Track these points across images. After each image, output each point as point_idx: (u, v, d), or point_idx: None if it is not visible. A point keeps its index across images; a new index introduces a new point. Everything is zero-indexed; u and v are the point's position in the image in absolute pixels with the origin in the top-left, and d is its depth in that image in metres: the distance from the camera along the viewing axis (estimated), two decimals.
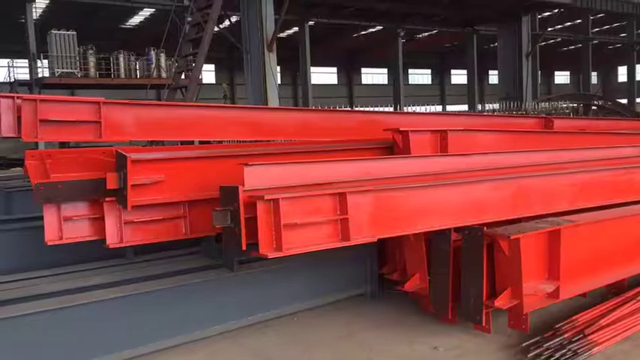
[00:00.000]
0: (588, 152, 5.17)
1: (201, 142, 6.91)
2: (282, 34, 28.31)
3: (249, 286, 3.95)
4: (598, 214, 4.05)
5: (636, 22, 31.52)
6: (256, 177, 3.30)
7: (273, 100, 11.50)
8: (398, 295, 4.22)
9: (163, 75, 18.16)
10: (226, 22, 14.88)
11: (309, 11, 16.29)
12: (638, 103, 31.72)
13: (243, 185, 3.20)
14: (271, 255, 3.04)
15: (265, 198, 3.05)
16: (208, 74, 32.00)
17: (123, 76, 19.23)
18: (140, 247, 4.22)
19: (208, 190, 3.78)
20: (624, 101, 31.36)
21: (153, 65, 18.52)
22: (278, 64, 15.84)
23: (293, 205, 3.11)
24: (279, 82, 14.93)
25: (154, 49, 18.70)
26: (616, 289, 4.10)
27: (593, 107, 23.92)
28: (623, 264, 4.08)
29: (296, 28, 24.10)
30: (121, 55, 19.23)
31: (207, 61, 27.75)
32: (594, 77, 44.56)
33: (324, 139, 5.21)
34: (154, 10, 22.72)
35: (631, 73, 34.63)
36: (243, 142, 6.15)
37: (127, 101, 4.34)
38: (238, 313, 3.88)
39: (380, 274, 4.45)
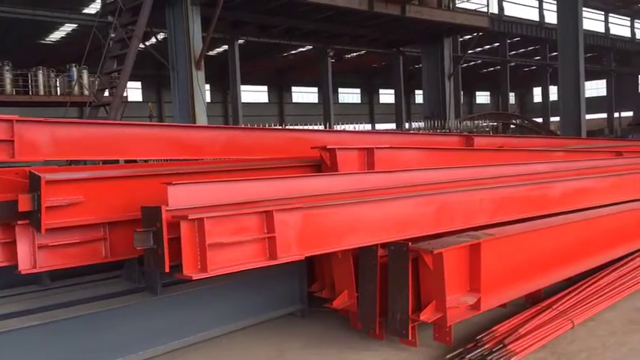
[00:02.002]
0: (506, 168, 5.42)
1: (126, 162, 6.69)
2: (211, 52, 28.11)
3: (175, 309, 3.83)
4: (515, 228, 4.24)
5: (549, 45, 33.64)
6: (180, 196, 3.23)
7: (201, 119, 11.33)
8: (328, 313, 4.23)
9: (86, 92, 17.50)
10: (153, 40, 14.58)
11: (237, 30, 16.24)
12: (552, 121, 33.68)
13: (167, 205, 3.12)
14: (196, 276, 2.97)
15: (189, 217, 2.98)
16: (134, 92, 31.20)
17: (42, 93, 18.35)
18: (61, 273, 4.00)
19: (131, 211, 3.64)
20: (540, 120, 33.30)
21: (74, 82, 17.82)
22: (207, 82, 15.68)
23: (218, 225, 3.06)
24: (208, 100, 14.77)
25: (75, 66, 18.01)
26: (533, 299, 4.29)
27: (512, 125, 25.24)
28: (539, 274, 4.28)
29: (226, 46, 23.99)
30: (40, 72, 18.36)
31: (133, 79, 27.16)
32: (512, 97, 47.03)
33: (252, 157, 5.18)
34: (76, 25, 21.96)
35: (545, 94, 36.89)
36: (169, 160, 6.01)
37: (43, 119, 4.12)
38: (164, 338, 3.75)
39: (310, 292, 4.44)
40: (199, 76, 11.39)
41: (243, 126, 15.73)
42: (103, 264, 3.96)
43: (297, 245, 3.34)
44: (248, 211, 3.22)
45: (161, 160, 6.57)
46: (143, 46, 13.14)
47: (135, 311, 3.66)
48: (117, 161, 7.00)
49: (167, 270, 3.05)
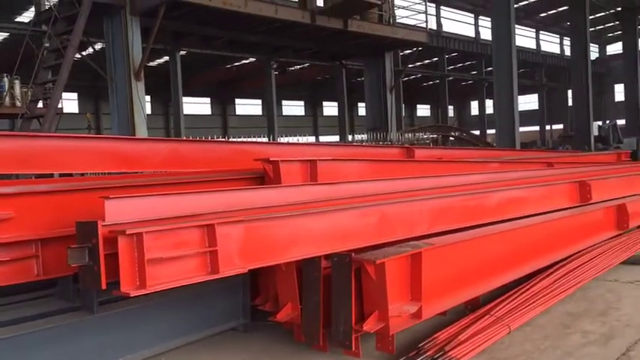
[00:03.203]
0: (445, 179, 5.57)
1: (61, 175, 6.45)
2: (152, 63, 27.62)
3: (113, 327, 3.69)
4: (454, 237, 4.35)
5: (485, 61, 34.97)
6: (118, 210, 3.13)
7: (142, 131, 11.06)
8: (271, 327, 4.19)
9: (18, 104, 16.77)
10: (90, 50, 14.16)
11: (179, 41, 16.00)
12: (488, 133, 34.92)
13: (104, 220, 3.02)
14: (134, 293, 2.88)
15: (127, 232, 2.89)
16: (70, 103, 30.18)
17: None
18: None
19: (66, 227, 3.50)
20: (477, 132, 34.49)
21: (5, 93, 17.06)
22: (148, 94, 15.37)
23: (158, 239, 2.99)
24: (148, 112, 14.44)
25: (6, 76, 17.25)
26: (472, 306, 4.40)
27: (451, 137, 26.02)
28: (477, 282, 4.40)
29: (167, 57, 23.61)
30: None
31: (69, 90, 26.28)
32: (451, 110, 48.58)
33: (194, 170, 5.10)
34: (7, 34, 21.08)
35: (482, 107, 38.27)
36: (107, 174, 5.83)
37: None
38: (101, 359, 3.61)
39: (253, 306, 4.39)
40: (139, 87, 11.12)
41: (185, 138, 15.48)
42: (36, 282, 3.79)
43: (240, 258, 3.31)
44: (189, 225, 3.16)
45: (98, 173, 6.38)
46: (79, 56, 12.73)
47: (69, 331, 3.50)
48: (51, 175, 6.75)
49: (104, 287, 2.95)
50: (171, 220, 3.24)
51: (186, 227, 3.13)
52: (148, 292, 2.91)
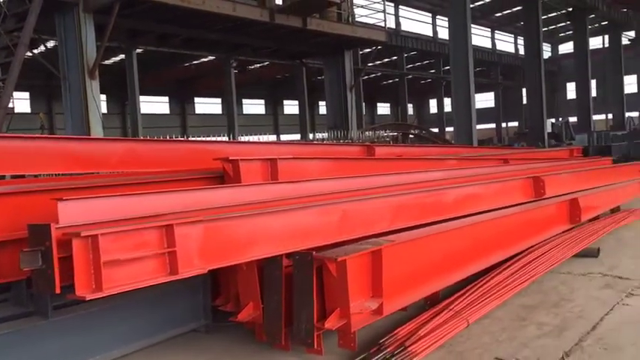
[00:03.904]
0: (404, 176, 5.65)
1: (13, 177, 6.23)
2: (107, 61, 26.98)
3: (69, 332, 3.59)
4: (413, 233, 4.42)
5: (442, 60, 35.56)
6: (72, 212, 3.05)
7: (97, 130, 10.79)
8: (233, 327, 4.16)
9: None
10: (42, 47, 13.74)
11: (135, 39, 15.70)
12: (447, 131, 35.57)
13: (57, 222, 2.94)
14: (89, 296, 2.81)
15: (82, 235, 2.82)
16: (22, 103, 29.21)
17: None
18: None
19: (18, 230, 3.39)
20: (436, 130, 35.07)
21: None
22: (104, 93, 15.01)
23: (115, 241, 2.92)
24: (104, 111, 14.12)
25: None
26: (432, 301, 4.48)
27: (411, 135, 26.35)
28: (437, 277, 4.48)
29: (123, 55, 23.12)
30: None
31: (21, 89, 25.47)
32: (410, 108, 49.21)
33: (152, 170, 5.02)
34: None
35: (440, 105, 38.96)
36: (62, 175, 5.67)
37: None
38: None
39: (214, 307, 4.35)
40: (94, 86, 10.85)
41: (142, 138, 15.19)
42: None
43: (200, 259, 3.27)
44: (147, 226, 3.11)
45: (53, 174, 6.20)
46: (31, 54, 12.35)
47: (23, 337, 3.39)
48: (3, 177, 6.52)
49: (58, 291, 2.87)
50: (128, 221, 3.17)
51: (144, 228, 3.08)
52: (105, 295, 2.84)
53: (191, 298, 4.24)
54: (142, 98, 23.28)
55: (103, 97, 22.84)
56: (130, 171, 5.05)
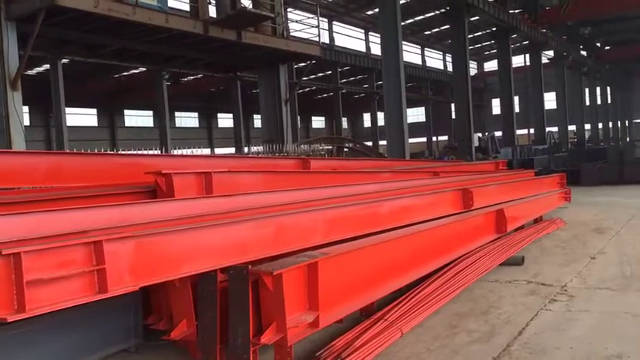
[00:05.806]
0: (339, 189, 5.71)
1: None
2: (31, 72, 25.79)
3: None
4: (348, 245, 4.46)
5: (375, 75, 36.35)
6: None
7: (19, 143, 10.25)
8: (165, 346, 4.04)
9: None
10: None
11: (61, 48, 15.09)
12: (380, 144, 36.29)
13: None
14: (11, 318, 2.65)
15: (3, 253, 2.67)
16: None
17: None
18: None
19: None
20: (370, 143, 35.72)
21: None
22: (26, 104, 14.30)
23: (38, 259, 2.78)
24: (27, 123, 13.45)
25: None
26: (367, 312, 4.53)
27: (345, 149, 26.72)
28: (372, 288, 4.53)
29: (48, 66, 22.15)
30: None
31: None
32: (345, 122, 49.94)
33: (79, 185, 4.83)
34: None
35: (374, 119, 39.66)
36: None
37: None
38: None
39: (146, 325, 4.21)
40: (16, 97, 10.32)
41: (68, 151, 14.57)
42: None
43: (131, 276, 3.17)
44: (74, 243, 2.98)
45: None
46: None
47: None
48: None
49: None
50: (53, 238, 3.03)
51: (70, 245, 2.95)
52: (28, 316, 2.69)
53: (121, 318, 4.09)
54: (68, 110, 22.34)
55: (26, 108, 21.82)
56: (55, 186, 4.84)
